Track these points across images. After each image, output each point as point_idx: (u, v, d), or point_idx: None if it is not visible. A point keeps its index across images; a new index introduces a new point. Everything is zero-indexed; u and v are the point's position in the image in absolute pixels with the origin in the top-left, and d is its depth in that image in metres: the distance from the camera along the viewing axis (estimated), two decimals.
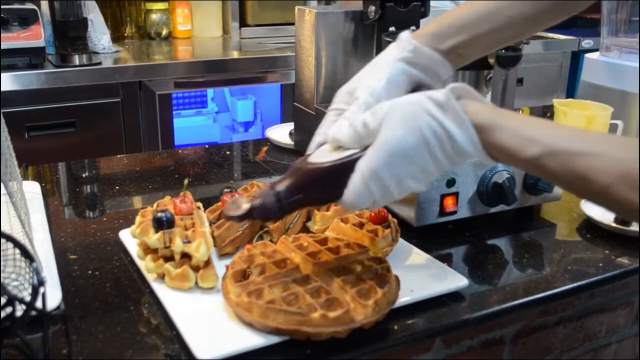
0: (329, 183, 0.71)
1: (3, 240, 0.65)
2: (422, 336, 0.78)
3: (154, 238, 0.81)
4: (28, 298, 0.66)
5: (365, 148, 0.69)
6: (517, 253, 0.98)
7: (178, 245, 0.80)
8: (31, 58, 2.06)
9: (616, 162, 0.58)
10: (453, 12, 0.79)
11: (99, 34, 2.34)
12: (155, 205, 0.91)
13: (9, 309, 0.66)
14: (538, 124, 0.64)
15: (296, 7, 1.27)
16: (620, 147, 0.60)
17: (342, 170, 0.69)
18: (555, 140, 0.62)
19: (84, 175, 1.34)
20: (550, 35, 3.08)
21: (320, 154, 0.73)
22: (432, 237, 0.99)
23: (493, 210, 1.03)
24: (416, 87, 0.76)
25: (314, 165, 0.71)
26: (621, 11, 1.58)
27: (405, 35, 0.78)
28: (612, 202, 0.59)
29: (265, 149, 1.45)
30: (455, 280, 0.84)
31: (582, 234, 1.04)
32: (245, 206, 0.72)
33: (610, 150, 0.60)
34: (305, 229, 0.98)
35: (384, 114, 0.67)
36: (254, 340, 0.70)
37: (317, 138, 0.78)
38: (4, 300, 0.65)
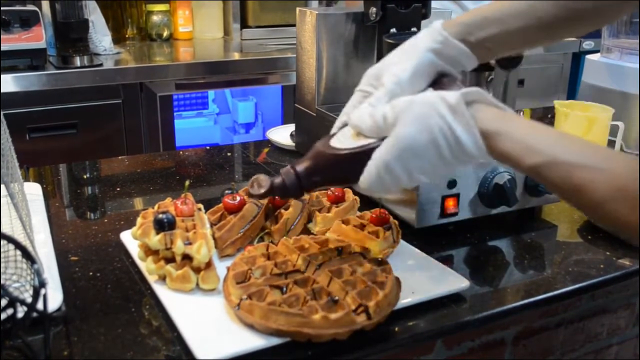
0: (346, 168, 0.74)
1: (4, 242, 0.65)
2: (423, 338, 0.78)
3: (155, 239, 0.81)
4: (29, 299, 0.66)
5: (383, 139, 0.71)
6: (518, 254, 0.98)
7: (179, 247, 0.80)
8: (32, 59, 2.07)
9: (613, 178, 0.59)
10: (489, 4, 0.80)
11: (100, 36, 2.34)
12: (156, 207, 0.91)
13: (10, 311, 0.66)
14: (544, 133, 0.65)
15: (297, 9, 1.27)
16: (620, 163, 0.61)
17: (360, 158, 0.72)
18: (557, 151, 0.63)
19: (85, 177, 1.34)
20: None
21: (342, 138, 0.77)
22: (433, 239, 0.99)
23: (494, 211, 1.03)
24: (439, 76, 0.78)
25: (333, 151, 0.75)
26: None
27: (437, 25, 0.79)
28: (608, 217, 0.61)
29: (266, 150, 1.45)
30: (456, 282, 0.84)
31: (583, 235, 1.04)
32: (267, 184, 0.76)
33: (609, 166, 0.61)
34: (306, 231, 0.98)
35: (400, 111, 0.70)
36: (255, 341, 0.70)
37: (341, 117, 0.81)
38: (5, 301, 0.65)
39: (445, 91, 0.70)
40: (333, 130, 0.80)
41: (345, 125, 0.79)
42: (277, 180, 0.77)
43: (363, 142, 0.73)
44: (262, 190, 0.77)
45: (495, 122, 0.67)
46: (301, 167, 0.76)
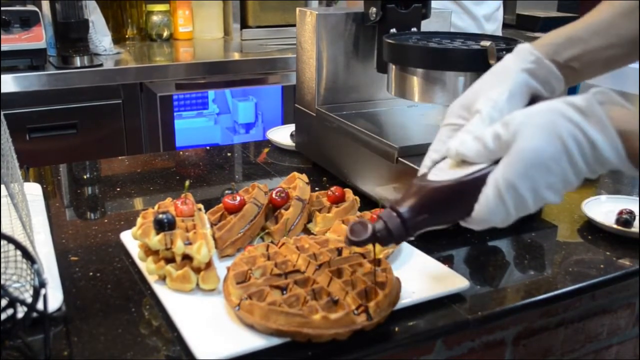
0: (457, 200, 0.69)
1: (4, 242, 0.65)
2: (424, 338, 0.78)
3: (155, 240, 0.81)
4: (29, 300, 0.66)
5: (494, 162, 0.67)
6: (518, 254, 0.98)
7: (179, 247, 0.80)
8: (32, 60, 2.07)
9: None
10: (573, 23, 0.78)
11: (100, 36, 2.34)
12: (156, 207, 0.91)
13: (10, 311, 0.66)
14: None
15: (297, 9, 1.27)
16: None
17: (472, 187, 0.67)
18: None
19: (85, 177, 1.34)
20: None
21: (439, 172, 0.71)
22: (433, 239, 0.99)
23: None
24: (532, 100, 0.74)
25: (440, 183, 0.69)
26: None
27: (525, 46, 0.76)
28: None
29: (266, 150, 1.45)
30: (456, 282, 0.84)
31: (583, 235, 1.04)
32: (368, 230, 0.70)
33: None
34: (306, 231, 0.98)
35: (519, 124, 0.65)
36: (255, 341, 0.70)
37: (431, 155, 0.76)
38: (5, 301, 0.65)
39: (569, 96, 0.65)
40: (422, 171, 0.75)
41: (435, 163, 0.74)
42: (379, 225, 0.70)
43: (472, 169, 0.68)
44: (364, 237, 0.70)
45: (632, 122, 0.62)
46: (404, 207, 0.70)
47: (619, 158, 0.63)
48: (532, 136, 0.63)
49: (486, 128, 0.69)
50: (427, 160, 0.76)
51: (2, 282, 0.66)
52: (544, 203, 0.67)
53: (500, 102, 0.72)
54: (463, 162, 0.70)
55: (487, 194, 0.66)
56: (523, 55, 0.75)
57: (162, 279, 0.82)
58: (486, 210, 0.67)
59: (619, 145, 0.62)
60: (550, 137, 0.63)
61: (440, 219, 0.71)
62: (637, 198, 1.11)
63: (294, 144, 1.40)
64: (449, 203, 0.69)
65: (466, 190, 0.67)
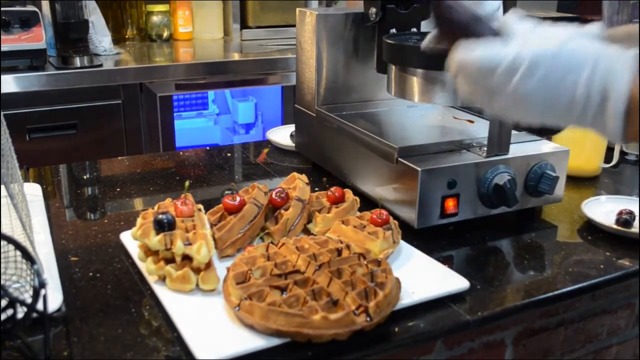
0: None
1: (4, 242, 0.65)
2: (424, 338, 0.78)
3: (155, 240, 0.81)
4: (29, 300, 0.66)
5: None
6: (518, 255, 0.98)
7: (179, 247, 0.80)
8: (32, 60, 2.07)
9: None
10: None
11: (100, 36, 2.34)
12: (156, 207, 0.91)
13: (10, 311, 0.66)
14: None
15: (297, 9, 1.27)
16: None
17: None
18: None
19: (85, 177, 1.34)
20: None
21: None
22: (433, 239, 0.99)
23: (494, 212, 1.03)
24: None
25: None
26: (622, 13, 1.57)
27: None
28: None
29: (266, 150, 1.45)
30: (456, 282, 0.84)
31: (583, 235, 1.04)
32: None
33: None
34: (306, 231, 0.98)
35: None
36: (255, 342, 0.70)
37: None
38: (5, 302, 0.65)
39: None
40: None
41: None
42: None
43: None
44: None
45: None
46: None
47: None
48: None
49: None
50: None
51: (2, 282, 0.66)
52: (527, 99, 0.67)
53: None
54: None
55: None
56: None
57: (162, 279, 0.82)
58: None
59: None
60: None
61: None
62: (637, 198, 1.11)
63: (293, 144, 1.40)
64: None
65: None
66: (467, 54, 0.71)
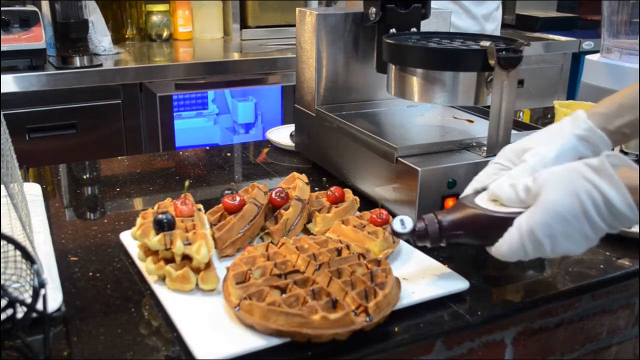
0: (489, 230, 0.78)
1: (4, 242, 0.65)
2: (423, 338, 0.78)
3: (155, 240, 0.81)
4: (29, 300, 0.66)
5: (525, 208, 0.75)
6: None
7: (179, 247, 0.80)
8: (32, 60, 2.07)
9: None
10: (624, 91, 0.84)
11: (100, 36, 2.34)
12: (156, 207, 0.91)
13: (9, 311, 0.66)
14: None
15: (297, 9, 1.27)
16: None
17: (504, 223, 0.76)
18: None
19: (84, 177, 1.34)
20: (551, 36, 3.08)
21: (481, 203, 0.81)
22: None
23: None
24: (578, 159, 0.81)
25: (486, 211, 0.79)
26: (622, 13, 1.58)
27: (581, 114, 0.84)
28: None
29: (266, 150, 1.45)
30: (456, 282, 0.84)
31: None
32: (409, 227, 0.81)
33: None
34: (306, 231, 0.98)
35: (544, 179, 0.74)
36: (255, 342, 0.70)
37: (474, 184, 0.85)
38: (4, 302, 0.65)
39: (587, 159, 0.74)
40: (465, 193, 0.85)
41: (477, 192, 0.83)
42: (420, 225, 0.80)
43: (507, 209, 0.77)
44: (405, 231, 0.81)
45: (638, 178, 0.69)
46: (446, 218, 0.80)
47: (630, 209, 0.70)
48: (554, 190, 0.72)
49: (525, 178, 0.78)
50: (469, 189, 0.85)
51: (2, 282, 0.66)
52: (563, 252, 0.74)
53: (548, 158, 0.80)
54: (497, 202, 0.79)
55: (511, 234, 0.76)
56: (578, 122, 0.83)
57: (162, 279, 0.82)
58: (508, 247, 0.76)
59: (628, 197, 0.69)
60: (568, 192, 0.71)
61: (471, 239, 0.81)
62: None
63: (293, 144, 1.40)
64: (483, 229, 0.79)
65: (500, 225, 0.77)
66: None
